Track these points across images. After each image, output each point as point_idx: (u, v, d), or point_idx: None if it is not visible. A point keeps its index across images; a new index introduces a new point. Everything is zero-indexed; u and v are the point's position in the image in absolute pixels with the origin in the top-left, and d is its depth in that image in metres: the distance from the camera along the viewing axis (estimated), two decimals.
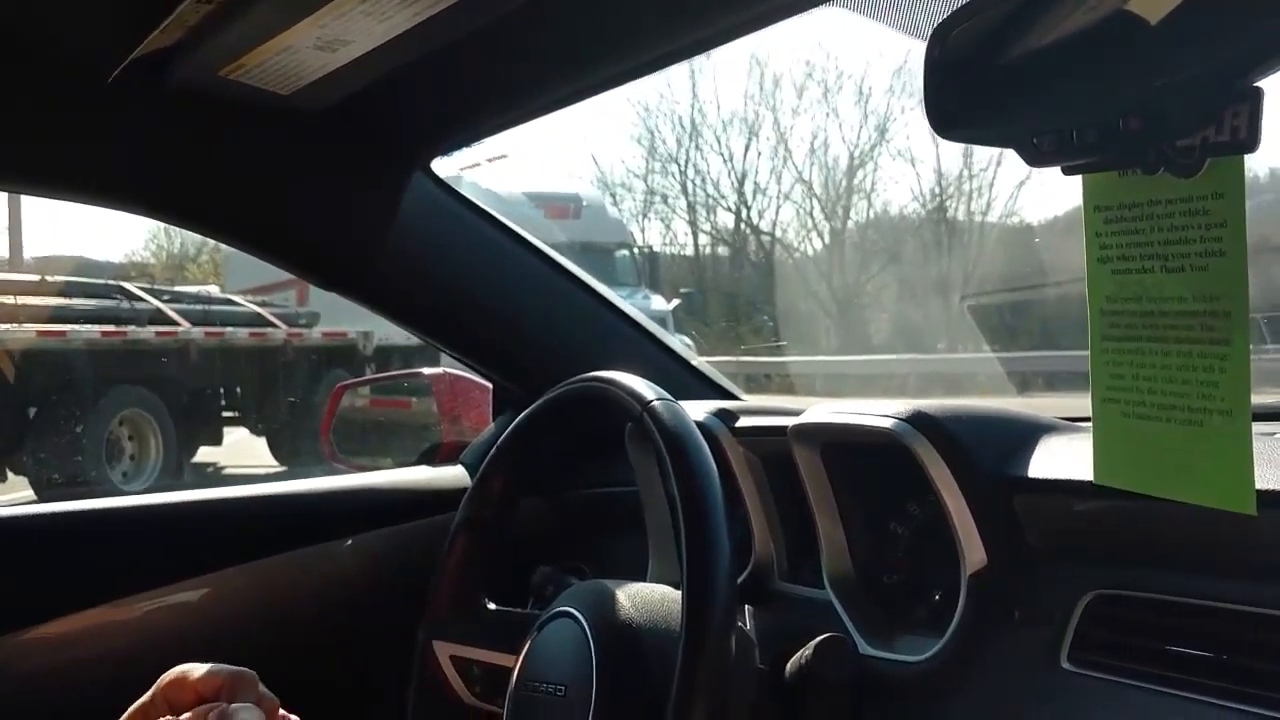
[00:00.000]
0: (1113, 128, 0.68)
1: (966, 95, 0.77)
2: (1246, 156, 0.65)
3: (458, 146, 1.48)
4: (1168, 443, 0.73)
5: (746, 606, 1.12)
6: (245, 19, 0.99)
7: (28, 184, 1.37)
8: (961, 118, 0.78)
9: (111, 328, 9.05)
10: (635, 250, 14.40)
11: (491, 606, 1.22)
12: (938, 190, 17.48)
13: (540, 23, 1.05)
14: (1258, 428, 1.03)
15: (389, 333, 12.11)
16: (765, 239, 19.83)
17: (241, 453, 10.21)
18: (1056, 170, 0.76)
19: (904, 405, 1.05)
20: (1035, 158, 0.74)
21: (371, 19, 0.97)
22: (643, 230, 19.94)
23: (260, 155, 1.37)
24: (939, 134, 0.80)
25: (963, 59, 0.77)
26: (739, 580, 1.22)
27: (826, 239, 18.86)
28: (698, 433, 0.98)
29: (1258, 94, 0.63)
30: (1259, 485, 0.78)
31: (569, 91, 1.25)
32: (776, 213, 21.07)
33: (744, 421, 1.26)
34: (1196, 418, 0.71)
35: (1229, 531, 0.81)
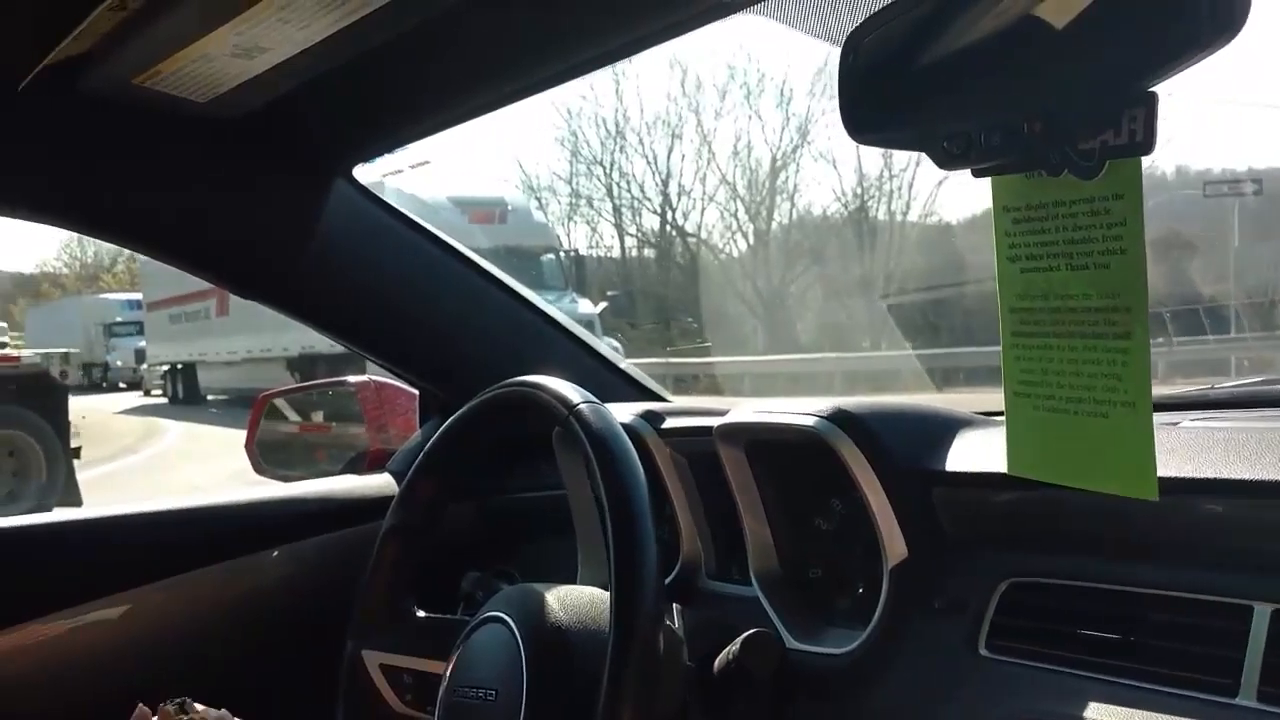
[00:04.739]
0: (1016, 131, 0.71)
1: (879, 101, 0.79)
2: (1148, 157, 0.68)
3: (379, 153, 1.47)
4: (1075, 434, 0.76)
5: (675, 605, 1.13)
6: (160, 26, 0.97)
7: None
8: (874, 123, 0.80)
9: None
10: (561, 254, 14.41)
11: (420, 614, 1.21)
12: (859, 190, 17.75)
13: (459, 30, 1.05)
14: (1161, 417, 1.07)
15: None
16: (691, 241, 19.97)
17: None
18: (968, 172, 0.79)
19: (826, 403, 1.07)
20: (945, 160, 0.76)
21: (290, 26, 0.96)
22: (569, 233, 19.96)
23: (178, 163, 1.35)
24: (853, 138, 0.82)
25: (875, 66, 0.79)
26: (667, 580, 1.24)
27: (751, 240, 19.04)
28: (624, 435, 0.99)
29: (1153, 98, 0.66)
30: (1161, 473, 0.81)
31: (489, 99, 1.24)
32: (701, 214, 21.23)
33: (670, 422, 1.27)
34: (1102, 410, 0.74)
35: (1135, 518, 0.84)
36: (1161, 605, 0.85)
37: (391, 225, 1.51)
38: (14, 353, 8.92)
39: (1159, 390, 1.35)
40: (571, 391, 1.04)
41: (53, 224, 1.33)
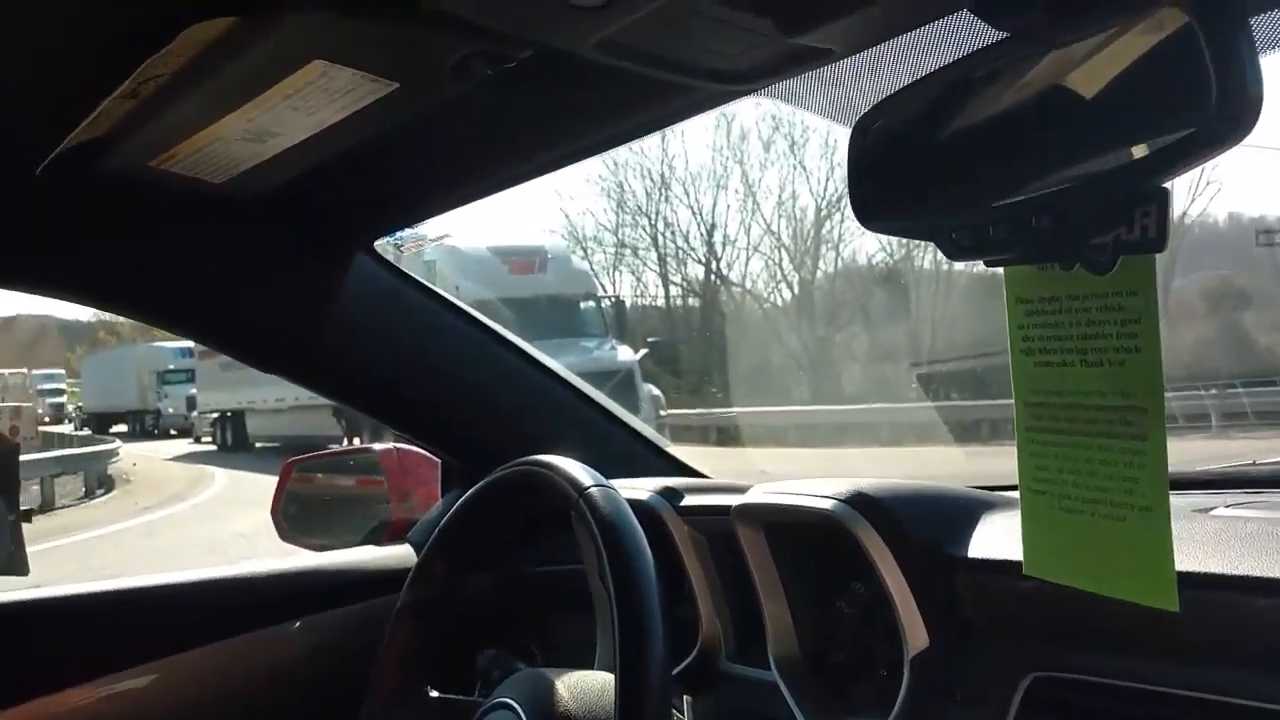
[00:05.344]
0: (1026, 225, 0.69)
1: (887, 190, 0.77)
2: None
3: (398, 228, 1.48)
4: (1092, 536, 0.73)
5: (686, 697, 1.11)
6: (171, 112, 0.98)
7: None
8: (883, 211, 0.79)
9: None
10: (602, 301, 14.45)
11: (433, 694, 1.20)
12: (904, 241, 17.65)
13: (471, 111, 1.05)
14: (1197, 499, 1.04)
15: None
16: (735, 290, 20.00)
17: None
18: None
19: (844, 485, 1.05)
20: (955, 252, 0.74)
21: (299, 113, 0.97)
22: (614, 283, 20.07)
23: (198, 242, 1.36)
24: (863, 225, 0.81)
25: (883, 153, 0.78)
26: (685, 662, 1.21)
27: (796, 289, 19.03)
28: (634, 522, 0.97)
29: (1164, 195, 0.64)
30: (1191, 567, 0.78)
31: (505, 177, 1.25)
32: (746, 264, 21.26)
33: (689, 500, 1.25)
34: (1119, 513, 0.71)
35: (1166, 614, 0.81)
36: (1192, 708, 0.82)
37: (413, 297, 1.51)
38: None
39: (1205, 459, 1.30)
40: (582, 474, 1.02)
41: (78, 302, 1.35)
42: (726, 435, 12.00)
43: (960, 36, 0.81)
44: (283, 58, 0.89)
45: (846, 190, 0.81)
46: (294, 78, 0.91)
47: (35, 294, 1.32)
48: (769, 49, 0.87)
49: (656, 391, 13.43)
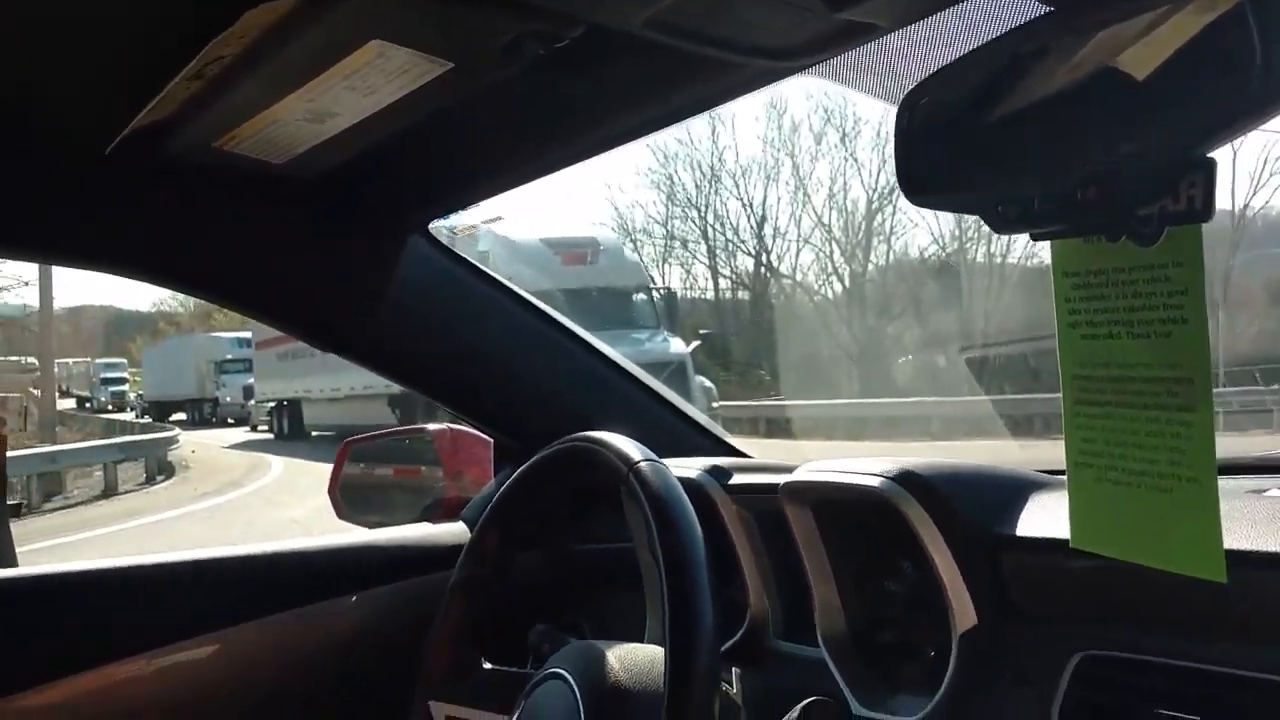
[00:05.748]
0: (1071, 198, 0.69)
1: (933, 164, 0.78)
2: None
3: (454, 209, 1.50)
4: (1140, 508, 0.73)
5: (734, 670, 1.12)
6: (234, 94, 1.01)
7: (27, 252, 1.41)
8: (929, 185, 0.79)
9: None
10: (653, 293, 14.45)
11: (487, 666, 1.22)
12: (957, 232, 17.49)
13: (528, 91, 1.07)
14: (1249, 482, 1.03)
15: None
16: (785, 282, 19.94)
17: None
18: None
19: (892, 464, 1.05)
20: (1001, 225, 0.75)
21: (357, 93, 0.99)
22: (663, 274, 20.11)
23: (259, 221, 1.40)
24: (909, 199, 0.81)
25: (930, 128, 0.78)
26: (733, 639, 1.22)
27: (846, 282, 18.92)
28: (683, 496, 0.98)
29: (1211, 164, 0.64)
30: (1244, 546, 0.78)
31: (560, 156, 1.26)
32: (796, 256, 21.22)
33: (737, 479, 1.26)
34: (1165, 484, 0.71)
35: (1215, 592, 0.81)
36: (1244, 687, 0.81)
37: (466, 279, 1.54)
38: None
39: (1259, 447, 1.29)
40: (632, 449, 1.04)
41: (141, 280, 1.39)
42: (776, 427, 11.98)
43: (1007, 11, 0.81)
44: (342, 38, 0.91)
45: (894, 166, 0.81)
46: (352, 58, 0.93)
47: (101, 273, 1.36)
48: (816, 24, 0.88)
49: (708, 383, 13.42)
